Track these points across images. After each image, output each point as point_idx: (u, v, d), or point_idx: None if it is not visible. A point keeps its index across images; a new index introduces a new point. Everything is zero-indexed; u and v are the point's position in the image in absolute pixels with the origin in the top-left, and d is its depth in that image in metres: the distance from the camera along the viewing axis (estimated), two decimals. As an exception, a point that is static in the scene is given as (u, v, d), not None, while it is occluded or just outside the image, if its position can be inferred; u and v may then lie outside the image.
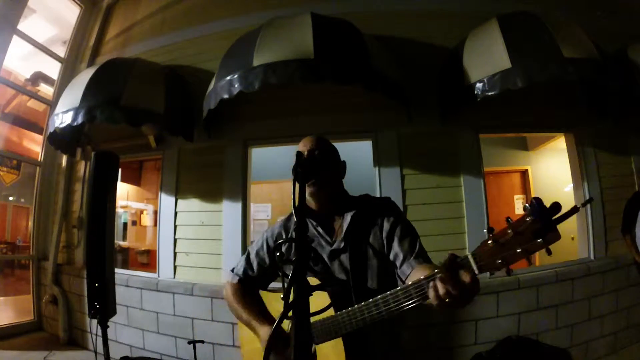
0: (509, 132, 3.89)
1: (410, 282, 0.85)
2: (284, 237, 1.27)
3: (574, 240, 3.60)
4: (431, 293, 0.75)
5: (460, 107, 2.76)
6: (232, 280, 1.32)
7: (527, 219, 0.64)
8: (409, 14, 3.23)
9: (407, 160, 2.96)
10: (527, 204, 0.65)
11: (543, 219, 0.62)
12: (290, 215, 1.29)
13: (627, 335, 2.91)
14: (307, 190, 1.07)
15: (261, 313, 1.22)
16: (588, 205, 3.02)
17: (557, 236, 0.62)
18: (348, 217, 1.18)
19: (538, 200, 0.62)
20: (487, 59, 2.55)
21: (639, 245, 2.71)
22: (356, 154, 4.36)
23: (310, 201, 1.18)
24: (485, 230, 0.70)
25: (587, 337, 2.79)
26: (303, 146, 1.21)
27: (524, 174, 5.13)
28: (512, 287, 2.71)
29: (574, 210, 0.64)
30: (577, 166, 3.14)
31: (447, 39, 3.05)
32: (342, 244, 1.16)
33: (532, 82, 2.31)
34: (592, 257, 2.97)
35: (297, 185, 0.92)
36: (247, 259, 1.32)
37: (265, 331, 1.14)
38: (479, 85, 2.50)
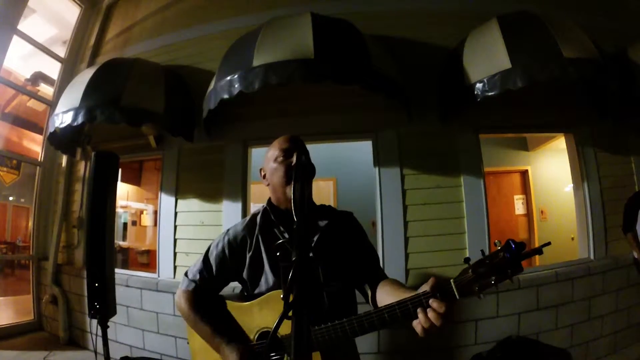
0: (509, 132, 3.89)
1: (392, 301, 0.88)
2: (247, 240, 1.20)
3: (574, 240, 3.61)
4: (421, 315, 0.81)
5: (460, 107, 2.76)
6: (187, 288, 1.20)
7: (500, 254, 0.76)
8: (409, 14, 3.23)
9: (407, 160, 2.96)
10: (497, 241, 0.79)
11: (514, 255, 0.75)
12: (254, 217, 1.24)
13: (627, 335, 2.91)
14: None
15: (222, 319, 1.13)
16: (588, 205, 3.02)
17: (521, 269, 0.76)
18: (320, 227, 1.16)
19: (513, 241, 0.76)
20: (487, 59, 2.55)
21: None
22: (356, 154, 4.40)
23: (287, 202, 1.14)
24: (463, 261, 0.82)
25: (587, 337, 2.79)
26: (291, 145, 1.16)
27: (524, 174, 5.14)
28: (512, 287, 2.70)
29: (537, 251, 0.77)
30: (577, 166, 3.14)
31: (447, 39, 3.05)
32: (311, 254, 1.11)
33: (532, 82, 2.31)
34: (592, 257, 2.97)
35: (297, 185, 0.91)
36: (205, 262, 1.22)
37: (229, 355, 1.05)
38: (479, 85, 2.50)
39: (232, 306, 1.18)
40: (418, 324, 0.82)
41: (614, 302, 2.90)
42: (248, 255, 1.19)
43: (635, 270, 2.94)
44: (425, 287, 0.83)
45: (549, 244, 0.79)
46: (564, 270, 2.84)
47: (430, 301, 0.80)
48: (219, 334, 1.10)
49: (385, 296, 1.01)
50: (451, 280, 0.82)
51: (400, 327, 2.76)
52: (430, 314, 0.80)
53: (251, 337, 1.12)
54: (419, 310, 0.81)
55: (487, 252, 0.81)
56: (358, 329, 0.90)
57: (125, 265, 4.98)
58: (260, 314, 1.10)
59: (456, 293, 0.80)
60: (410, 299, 0.84)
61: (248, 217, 1.27)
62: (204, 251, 1.27)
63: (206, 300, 1.20)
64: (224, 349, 1.07)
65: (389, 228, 2.87)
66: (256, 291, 1.17)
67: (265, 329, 1.09)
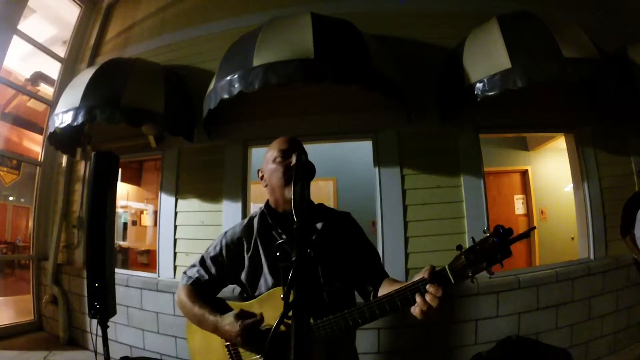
0: (509, 132, 3.89)
1: (391, 290, 0.92)
2: (245, 243, 1.20)
3: (574, 240, 3.60)
4: (419, 299, 0.85)
5: (460, 107, 2.76)
6: (186, 283, 1.22)
7: (490, 239, 0.81)
8: (409, 14, 3.24)
9: (407, 160, 2.96)
10: (486, 228, 0.84)
11: (503, 240, 0.80)
12: (251, 220, 1.24)
13: (627, 335, 2.91)
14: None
15: (219, 305, 1.14)
16: (588, 205, 3.02)
17: (510, 253, 0.81)
18: (317, 228, 1.16)
19: (502, 227, 0.81)
20: (487, 59, 2.55)
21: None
22: (356, 154, 4.40)
23: (285, 204, 1.14)
24: (456, 248, 0.88)
25: (587, 337, 2.79)
26: (290, 146, 1.16)
27: (524, 174, 5.13)
28: (512, 287, 2.71)
29: (524, 235, 0.82)
30: (577, 166, 3.14)
31: (447, 39, 3.05)
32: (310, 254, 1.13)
33: (532, 82, 2.31)
34: (592, 257, 2.97)
35: (297, 186, 0.91)
36: (203, 264, 1.23)
37: (227, 318, 1.05)
38: (479, 85, 2.50)
39: (233, 305, 1.18)
40: (416, 307, 0.85)
41: (614, 302, 2.90)
42: (246, 258, 1.19)
43: (635, 270, 2.94)
44: (422, 274, 0.87)
45: (534, 228, 0.84)
46: (564, 270, 2.84)
47: (428, 286, 0.85)
48: (211, 311, 1.09)
49: (385, 290, 1.02)
50: (446, 266, 0.87)
51: (401, 327, 2.75)
52: (428, 297, 0.84)
53: None
54: (417, 295, 0.85)
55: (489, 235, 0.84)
56: (359, 319, 0.92)
57: (125, 265, 4.98)
58: (261, 312, 1.10)
59: (451, 278, 0.85)
60: (408, 286, 0.88)
61: (246, 220, 1.27)
62: (203, 251, 1.27)
63: (203, 293, 1.20)
64: (220, 320, 1.06)
65: (389, 228, 2.87)
66: (256, 293, 1.17)
67: (265, 327, 1.09)
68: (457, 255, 0.87)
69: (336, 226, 1.21)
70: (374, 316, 0.91)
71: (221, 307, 1.14)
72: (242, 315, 1.05)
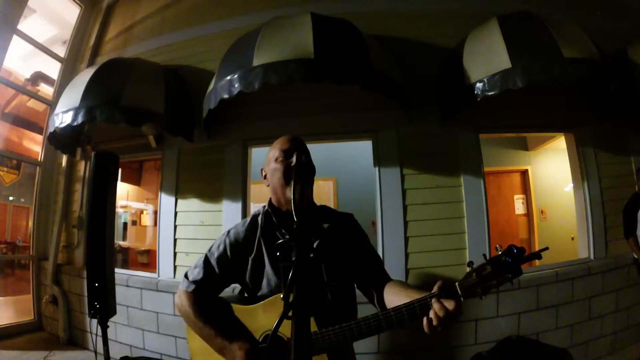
0: (509, 132, 3.89)
1: (399, 304, 0.91)
2: (249, 242, 1.19)
3: (574, 240, 3.60)
4: (429, 314, 0.85)
5: (460, 107, 2.76)
6: (187, 289, 1.19)
7: (503, 258, 0.81)
8: (409, 14, 3.23)
9: (407, 160, 2.96)
10: (499, 245, 0.84)
11: (515, 260, 0.81)
12: (255, 219, 1.23)
13: (627, 335, 2.91)
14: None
15: (225, 318, 1.13)
16: (588, 205, 3.03)
17: (521, 273, 0.81)
18: (323, 229, 1.16)
19: (515, 247, 0.81)
20: (487, 59, 2.55)
21: None
22: (356, 154, 4.40)
23: (287, 203, 1.14)
24: (467, 265, 0.87)
25: (587, 337, 2.80)
26: (292, 146, 1.15)
27: (524, 174, 5.13)
28: (512, 287, 2.70)
29: (536, 256, 0.82)
30: (577, 166, 3.15)
31: (447, 39, 3.05)
32: (312, 255, 1.12)
33: (532, 82, 2.31)
34: (592, 257, 2.97)
35: (297, 186, 0.91)
36: (206, 264, 1.20)
37: (235, 351, 1.04)
38: (479, 85, 2.50)
39: (236, 309, 1.17)
40: (424, 322, 0.85)
41: (614, 302, 2.90)
42: (250, 257, 1.18)
43: (635, 270, 2.94)
44: (433, 290, 0.87)
45: (546, 249, 0.83)
46: (564, 270, 2.84)
47: (434, 301, 0.85)
48: (222, 335, 1.08)
49: (393, 297, 1.01)
50: (456, 284, 0.86)
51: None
52: (433, 313, 0.84)
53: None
54: (433, 302, 0.85)
55: (488, 255, 0.85)
56: (365, 331, 0.91)
57: (125, 265, 4.98)
58: (265, 317, 1.09)
59: (461, 295, 0.85)
60: (417, 300, 0.87)
61: (249, 218, 1.26)
62: (203, 251, 1.26)
63: (207, 301, 1.18)
64: (229, 348, 1.06)
65: (389, 228, 2.87)
66: (259, 293, 1.16)
67: (269, 332, 1.09)
68: (468, 272, 0.86)
69: (340, 228, 1.21)
70: (380, 329, 0.90)
71: (228, 323, 1.13)
72: (250, 353, 1.04)
